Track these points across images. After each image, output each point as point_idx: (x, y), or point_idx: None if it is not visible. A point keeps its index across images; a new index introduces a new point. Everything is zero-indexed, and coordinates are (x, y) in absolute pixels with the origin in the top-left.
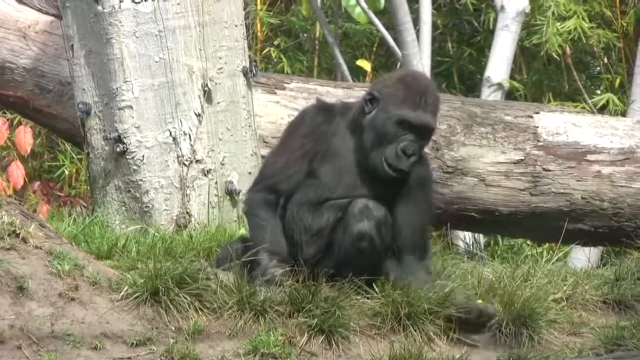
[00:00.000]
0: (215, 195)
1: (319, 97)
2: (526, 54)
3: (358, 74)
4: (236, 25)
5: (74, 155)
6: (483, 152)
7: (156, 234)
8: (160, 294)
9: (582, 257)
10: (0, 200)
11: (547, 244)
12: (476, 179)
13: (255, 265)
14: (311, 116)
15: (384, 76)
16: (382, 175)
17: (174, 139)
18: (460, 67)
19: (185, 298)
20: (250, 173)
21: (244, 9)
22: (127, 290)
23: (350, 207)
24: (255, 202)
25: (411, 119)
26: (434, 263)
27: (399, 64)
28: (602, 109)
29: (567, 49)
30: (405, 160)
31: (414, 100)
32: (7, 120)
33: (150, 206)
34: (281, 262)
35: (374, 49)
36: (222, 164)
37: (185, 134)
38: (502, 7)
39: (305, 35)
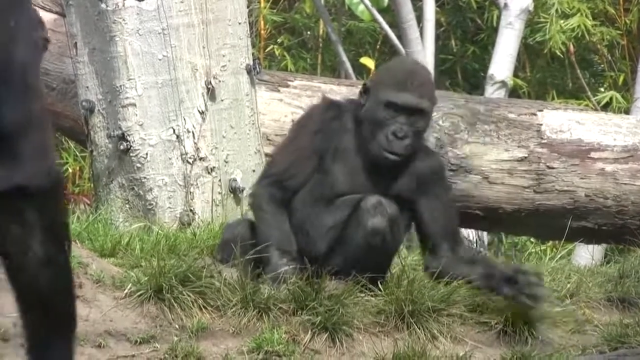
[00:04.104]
0: (219, 193)
1: (325, 95)
2: (530, 52)
3: (362, 71)
4: (240, 23)
5: (78, 153)
6: (487, 150)
7: (160, 231)
8: (164, 291)
9: (586, 254)
10: None
11: (550, 242)
12: (480, 177)
13: (264, 261)
14: (320, 113)
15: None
16: (382, 162)
17: (178, 136)
18: (463, 65)
19: (189, 296)
20: (254, 171)
21: (248, 7)
22: (130, 288)
23: (363, 203)
24: (263, 197)
25: (396, 100)
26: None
27: None
28: (606, 107)
29: (571, 46)
30: (398, 143)
31: (399, 83)
32: None
33: (154, 204)
34: (291, 260)
35: (378, 46)
36: (226, 162)
37: (188, 132)
38: (506, 5)
39: (308, 33)
